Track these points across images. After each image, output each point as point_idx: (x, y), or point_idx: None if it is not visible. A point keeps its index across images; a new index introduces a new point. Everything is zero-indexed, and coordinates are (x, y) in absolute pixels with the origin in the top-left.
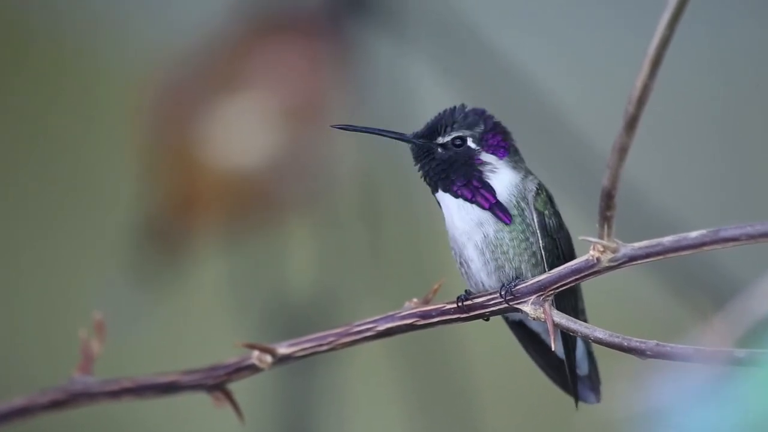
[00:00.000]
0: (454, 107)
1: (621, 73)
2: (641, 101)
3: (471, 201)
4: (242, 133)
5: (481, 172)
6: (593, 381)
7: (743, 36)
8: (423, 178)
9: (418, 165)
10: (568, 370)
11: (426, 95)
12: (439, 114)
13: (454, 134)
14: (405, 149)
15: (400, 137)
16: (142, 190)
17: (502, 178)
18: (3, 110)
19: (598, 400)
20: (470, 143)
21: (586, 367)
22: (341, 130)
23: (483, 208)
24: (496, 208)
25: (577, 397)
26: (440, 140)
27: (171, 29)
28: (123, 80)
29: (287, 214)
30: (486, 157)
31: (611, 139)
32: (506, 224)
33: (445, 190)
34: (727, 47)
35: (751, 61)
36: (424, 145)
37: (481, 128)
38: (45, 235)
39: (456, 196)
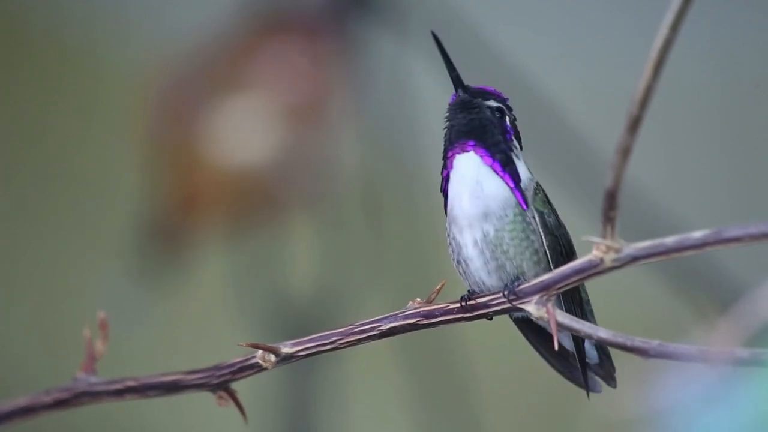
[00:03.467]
0: (492, 88)
1: (624, 71)
2: (644, 103)
3: (501, 173)
4: (245, 131)
5: (512, 150)
6: (605, 368)
7: (748, 35)
8: (457, 134)
9: (462, 115)
10: (579, 361)
11: (427, 93)
12: (481, 87)
13: (499, 105)
14: (407, 148)
15: (458, 81)
16: (144, 189)
17: (522, 169)
18: (4, 110)
19: (614, 386)
20: (506, 121)
21: (595, 355)
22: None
23: (508, 185)
24: (517, 190)
25: (588, 388)
26: (491, 103)
27: (174, 28)
28: (126, 79)
29: (289, 213)
30: (514, 141)
31: (613, 137)
32: (523, 210)
33: (481, 148)
34: (731, 47)
35: (754, 60)
36: (474, 100)
37: (512, 115)
38: (47, 234)
39: (493, 158)
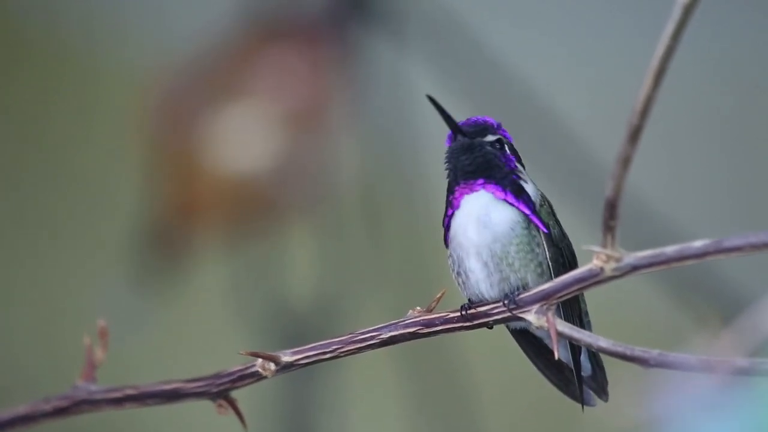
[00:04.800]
0: (484, 118)
1: (624, 78)
2: (644, 113)
3: (515, 203)
4: (244, 138)
5: (519, 177)
6: (598, 381)
7: (750, 43)
8: (464, 174)
9: (464, 157)
10: (575, 374)
11: (425, 100)
12: (474, 119)
13: (497, 137)
14: (407, 154)
15: (457, 129)
16: (144, 196)
17: (530, 189)
18: (3, 115)
19: (606, 399)
20: (507, 150)
21: (589, 367)
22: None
23: (523, 213)
24: (534, 215)
25: (583, 401)
26: (489, 138)
27: (173, 35)
28: (125, 86)
29: (289, 220)
30: (518, 166)
31: (614, 141)
32: (530, 224)
33: (491, 184)
34: (731, 54)
35: (755, 68)
36: (473, 141)
37: (510, 141)
38: (46, 241)
39: (505, 191)
